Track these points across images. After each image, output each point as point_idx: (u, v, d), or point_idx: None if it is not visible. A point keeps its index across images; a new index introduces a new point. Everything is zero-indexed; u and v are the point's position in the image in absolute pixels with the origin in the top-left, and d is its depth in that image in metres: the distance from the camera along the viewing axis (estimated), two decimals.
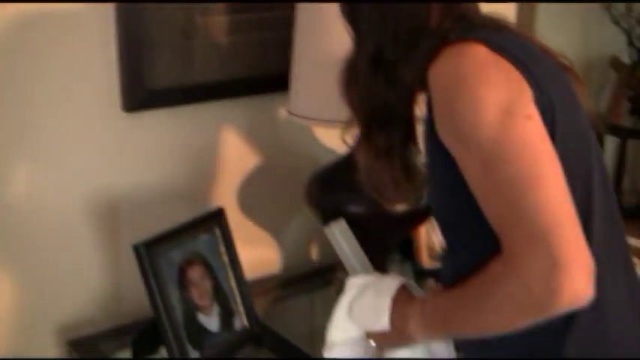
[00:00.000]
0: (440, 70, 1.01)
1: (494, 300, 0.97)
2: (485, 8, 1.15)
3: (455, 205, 1.08)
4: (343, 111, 1.52)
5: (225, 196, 1.81)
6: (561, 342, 1.03)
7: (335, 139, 1.86)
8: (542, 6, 2.25)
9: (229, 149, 1.81)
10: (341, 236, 1.40)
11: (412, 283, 1.25)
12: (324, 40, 1.52)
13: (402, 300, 1.18)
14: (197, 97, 1.72)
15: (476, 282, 1.00)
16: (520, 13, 2.24)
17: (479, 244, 1.03)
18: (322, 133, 1.89)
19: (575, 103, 1.08)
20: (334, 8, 1.48)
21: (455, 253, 1.15)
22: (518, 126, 0.95)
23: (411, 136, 1.17)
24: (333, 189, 1.68)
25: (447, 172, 1.03)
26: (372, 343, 1.23)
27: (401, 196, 1.24)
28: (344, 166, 1.70)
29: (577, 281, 0.90)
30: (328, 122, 1.59)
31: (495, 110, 0.95)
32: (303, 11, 1.58)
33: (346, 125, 1.31)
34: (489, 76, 0.97)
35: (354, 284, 1.28)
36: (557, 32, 1.96)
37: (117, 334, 1.65)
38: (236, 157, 1.82)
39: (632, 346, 1.09)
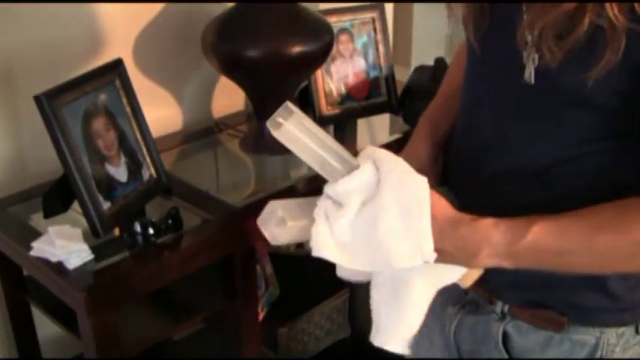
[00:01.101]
0: None
1: (631, 245, 0.90)
2: None
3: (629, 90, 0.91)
4: None
5: (122, 54, 1.79)
6: None
7: None
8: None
9: (122, 5, 1.78)
10: (300, 131, 0.89)
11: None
12: None
13: (452, 218, 0.94)
14: None
15: (606, 222, 0.90)
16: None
17: (593, 183, 0.97)
18: None
19: None
20: None
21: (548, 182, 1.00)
22: None
23: None
24: (229, 35, 1.68)
25: (615, 97, 0.91)
26: None
27: None
28: (239, 12, 1.70)
29: None
30: None
31: None
32: None
33: None
34: None
35: (346, 193, 0.92)
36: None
37: (25, 197, 1.65)
38: (130, 12, 1.79)
39: None
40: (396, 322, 0.98)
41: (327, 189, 0.93)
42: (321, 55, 1.73)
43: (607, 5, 0.85)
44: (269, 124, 0.88)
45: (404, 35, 2.32)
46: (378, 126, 2.07)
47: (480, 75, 1.07)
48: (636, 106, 0.91)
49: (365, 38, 2.01)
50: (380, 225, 0.90)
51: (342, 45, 1.98)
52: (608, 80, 0.89)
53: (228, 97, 2.01)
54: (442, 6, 1.11)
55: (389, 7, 2.29)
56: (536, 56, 0.94)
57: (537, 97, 0.97)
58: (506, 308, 1.10)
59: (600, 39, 0.87)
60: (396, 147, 1.81)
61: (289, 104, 0.88)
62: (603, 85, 0.90)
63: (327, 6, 1.96)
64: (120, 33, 1.79)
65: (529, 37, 0.94)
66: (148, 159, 1.59)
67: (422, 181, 0.91)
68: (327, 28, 1.75)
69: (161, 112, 1.91)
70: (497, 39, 1.02)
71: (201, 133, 1.96)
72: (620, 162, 0.96)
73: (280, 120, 0.87)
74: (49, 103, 1.37)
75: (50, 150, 1.38)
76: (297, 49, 1.66)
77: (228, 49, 1.67)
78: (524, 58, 0.96)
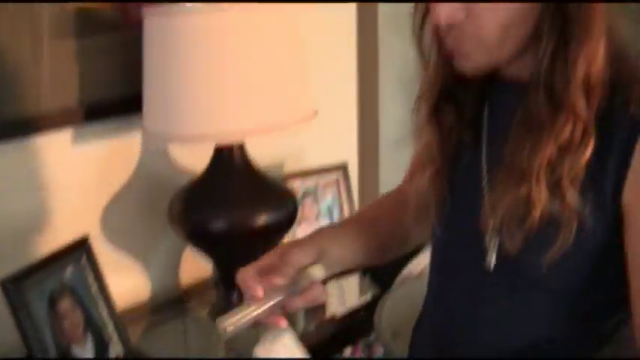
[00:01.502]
0: None
1: None
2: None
3: (586, 270, 0.96)
4: (196, 125, 1.56)
5: (88, 226, 1.79)
6: None
7: (192, 158, 1.89)
8: (383, 7, 2.32)
9: (87, 176, 1.79)
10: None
11: None
12: (172, 52, 1.55)
13: None
14: (48, 125, 1.69)
15: None
16: (360, 15, 2.32)
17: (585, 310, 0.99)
18: (179, 154, 1.91)
19: None
20: (183, 21, 1.52)
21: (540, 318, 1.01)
22: None
23: None
24: (195, 207, 1.70)
25: (597, 232, 0.95)
26: None
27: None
28: (205, 184, 1.73)
29: None
30: (184, 138, 1.62)
31: None
32: (150, 24, 1.60)
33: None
34: None
35: None
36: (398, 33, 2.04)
37: None
38: (94, 184, 1.80)
39: None
40: None
41: None
42: (286, 224, 1.74)
43: (559, 190, 0.90)
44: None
45: (370, 193, 2.35)
46: (348, 288, 2.07)
47: (444, 259, 1.10)
48: (596, 288, 0.93)
49: (329, 200, 2.04)
50: None
51: (306, 208, 2.00)
52: (565, 263, 0.92)
53: (196, 265, 2.00)
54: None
55: (353, 169, 2.33)
56: (498, 240, 0.97)
57: (500, 280, 0.99)
58: None
59: (554, 223, 0.92)
60: (365, 313, 1.82)
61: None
62: (560, 268, 0.93)
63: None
64: (86, 204, 1.80)
65: (491, 222, 0.97)
66: (115, 337, 1.56)
67: None
68: (291, 196, 1.78)
69: (128, 283, 1.89)
70: (460, 223, 1.04)
71: (170, 303, 1.93)
72: (589, 342, 0.97)
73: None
74: (15, 287, 1.36)
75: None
76: (262, 219, 1.68)
77: (194, 220, 1.69)
78: (486, 242, 0.99)
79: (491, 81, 1.06)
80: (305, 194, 2.00)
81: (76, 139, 1.75)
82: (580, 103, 0.92)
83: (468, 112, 1.07)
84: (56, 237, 1.68)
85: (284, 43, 1.63)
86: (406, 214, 1.18)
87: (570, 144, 0.92)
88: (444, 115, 1.07)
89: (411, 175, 1.20)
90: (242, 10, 1.55)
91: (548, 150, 0.92)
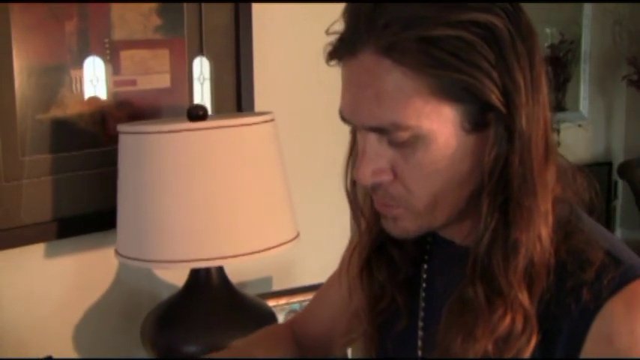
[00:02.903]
0: (620, 324, 0.82)
1: None
2: None
3: None
4: (166, 251, 1.49)
5: (58, 342, 1.72)
6: None
7: (172, 273, 1.83)
8: None
9: (61, 292, 1.73)
10: None
11: None
12: (147, 172, 1.50)
13: None
14: (23, 240, 1.65)
15: None
16: None
17: None
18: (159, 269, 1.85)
19: None
20: (158, 139, 1.47)
21: None
22: None
23: None
24: (169, 328, 1.62)
25: None
26: None
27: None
28: (179, 304, 1.66)
29: None
30: (157, 264, 1.55)
31: None
32: (125, 141, 1.55)
33: None
34: None
35: None
36: None
37: None
38: (67, 300, 1.74)
39: None
40: None
41: None
42: None
43: None
44: None
45: None
46: None
47: None
48: None
49: None
50: None
51: None
52: None
53: None
54: None
55: None
56: None
57: None
58: None
59: None
60: None
61: None
62: None
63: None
64: (58, 320, 1.73)
65: None
66: None
67: None
68: (271, 319, 1.69)
69: None
70: None
71: None
72: None
73: None
74: None
75: None
76: None
77: (167, 342, 1.61)
78: None
79: (431, 237, 1.00)
80: (290, 313, 1.92)
81: (50, 253, 1.70)
82: (521, 294, 0.84)
83: (403, 271, 0.99)
84: (27, 352, 1.62)
85: (266, 161, 1.58)
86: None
87: (509, 337, 0.83)
88: (376, 272, 0.99)
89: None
90: (220, 126, 1.51)
91: (484, 343, 0.83)
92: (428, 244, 1.01)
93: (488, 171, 0.85)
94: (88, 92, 1.71)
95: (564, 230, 0.89)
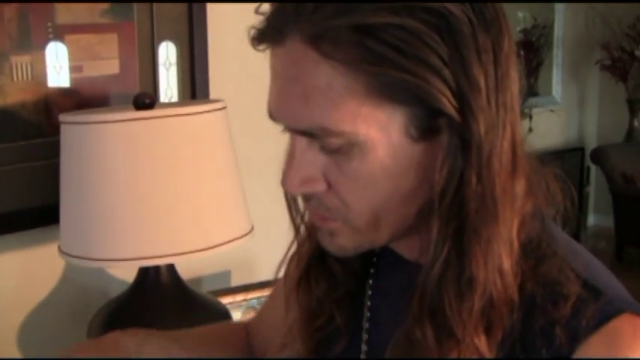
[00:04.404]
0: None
1: None
2: None
3: None
4: (113, 249, 1.41)
5: (3, 342, 1.64)
6: None
7: (123, 271, 1.74)
8: None
9: (4, 291, 1.64)
10: None
11: None
12: (90, 164, 1.40)
13: None
14: None
15: None
16: None
17: None
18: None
19: None
20: (101, 129, 1.39)
21: None
22: None
23: None
24: (116, 327, 1.53)
25: None
26: None
27: None
28: (126, 303, 1.58)
29: None
30: (102, 262, 1.46)
31: None
32: (67, 132, 1.46)
33: None
34: None
35: None
36: None
37: None
38: (11, 299, 1.65)
39: None
40: None
41: None
42: None
43: None
44: None
45: None
46: None
47: None
48: None
49: None
50: None
51: None
52: None
53: None
54: None
55: None
56: None
57: None
58: None
59: None
60: None
61: None
62: None
63: None
64: (1, 320, 1.65)
65: None
66: None
67: None
68: (225, 317, 1.61)
69: None
70: None
71: None
72: None
73: None
74: None
75: None
76: None
77: None
78: None
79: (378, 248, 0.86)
80: (248, 310, 1.85)
81: None
82: (477, 338, 0.72)
83: (344, 286, 0.87)
84: None
85: (217, 151, 1.50)
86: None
87: None
88: (314, 286, 0.88)
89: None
90: (167, 115, 1.42)
91: None
92: (374, 255, 0.90)
93: (439, 190, 0.71)
94: (52, 80, 1.63)
95: (534, 256, 0.75)
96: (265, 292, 1.88)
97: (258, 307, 1.86)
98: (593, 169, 5.78)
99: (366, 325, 0.88)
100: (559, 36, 5.52)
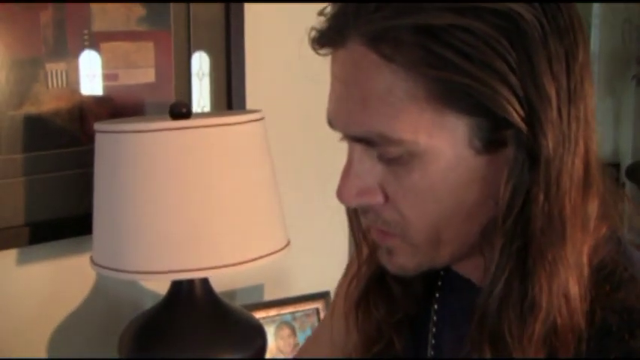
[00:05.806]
0: None
1: None
2: None
3: None
4: (146, 261, 1.38)
5: (32, 355, 1.61)
6: None
7: (156, 283, 1.71)
8: None
9: (34, 302, 1.61)
10: None
11: None
12: (124, 175, 1.37)
13: None
14: None
15: None
16: None
17: None
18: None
19: None
20: (136, 139, 1.36)
21: None
22: None
23: None
24: (147, 343, 1.50)
25: None
26: None
27: None
28: (159, 317, 1.54)
29: None
30: (135, 275, 1.43)
31: None
32: (102, 141, 1.43)
33: None
34: None
35: None
36: None
37: None
38: (41, 310, 1.63)
39: None
40: None
41: None
42: None
43: None
44: None
45: None
46: None
47: None
48: None
49: (309, 332, 1.84)
50: None
51: (282, 341, 1.80)
52: None
53: None
54: None
55: None
56: None
57: None
58: None
59: None
60: None
61: None
62: None
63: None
64: (31, 330, 1.62)
65: None
66: None
67: None
68: (259, 332, 1.57)
69: None
70: None
71: None
72: None
73: None
74: None
75: None
76: (223, 357, 1.48)
77: (144, 356, 1.49)
78: None
79: (444, 270, 0.82)
80: (281, 325, 1.81)
81: (22, 260, 1.58)
82: None
83: (403, 310, 0.83)
84: None
85: (254, 163, 1.46)
86: None
87: None
88: (373, 310, 0.83)
89: None
90: (204, 125, 1.39)
91: None
92: (440, 278, 0.85)
93: (503, 206, 0.67)
94: (86, 88, 1.61)
95: (608, 282, 0.70)
96: (300, 307, 1.84)
97: (292, 322, 1.82)
98: (628, 185, 5.69)
99: (431, 352, 0.83)
100: (594, 50, 5.44)
